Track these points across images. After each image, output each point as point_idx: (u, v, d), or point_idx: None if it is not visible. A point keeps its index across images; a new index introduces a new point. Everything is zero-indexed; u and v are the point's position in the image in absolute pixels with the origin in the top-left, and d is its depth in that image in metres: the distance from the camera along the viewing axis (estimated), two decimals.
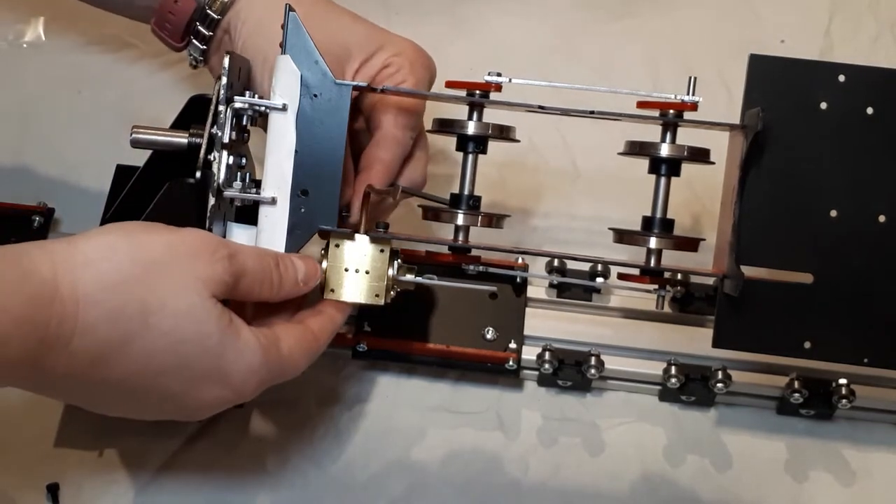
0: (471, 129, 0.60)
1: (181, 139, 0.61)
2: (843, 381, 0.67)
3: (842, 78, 0.58)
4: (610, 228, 0.60)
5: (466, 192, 0.61)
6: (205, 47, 0.66)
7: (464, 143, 0.61)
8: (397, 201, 0.64)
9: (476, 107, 0.60)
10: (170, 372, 0.52)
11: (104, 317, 0.50)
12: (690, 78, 0.58)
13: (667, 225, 0.59)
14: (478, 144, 0.61)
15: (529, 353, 0.70)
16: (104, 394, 0.54)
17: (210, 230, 0.57)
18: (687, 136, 0.59)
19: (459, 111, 0.61)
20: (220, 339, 0.53)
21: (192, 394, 0.54)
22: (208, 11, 0.64)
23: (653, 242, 0.59)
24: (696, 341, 0.70)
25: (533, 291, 0.72)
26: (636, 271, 0.60)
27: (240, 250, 0.55)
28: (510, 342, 0.70)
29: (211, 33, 0.65)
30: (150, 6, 0.66)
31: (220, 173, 0.57)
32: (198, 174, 0.58)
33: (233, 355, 0.53)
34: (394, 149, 0.62)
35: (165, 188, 0.59)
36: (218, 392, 0.54)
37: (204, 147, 0.58)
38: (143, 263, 0.51)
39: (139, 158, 0.66)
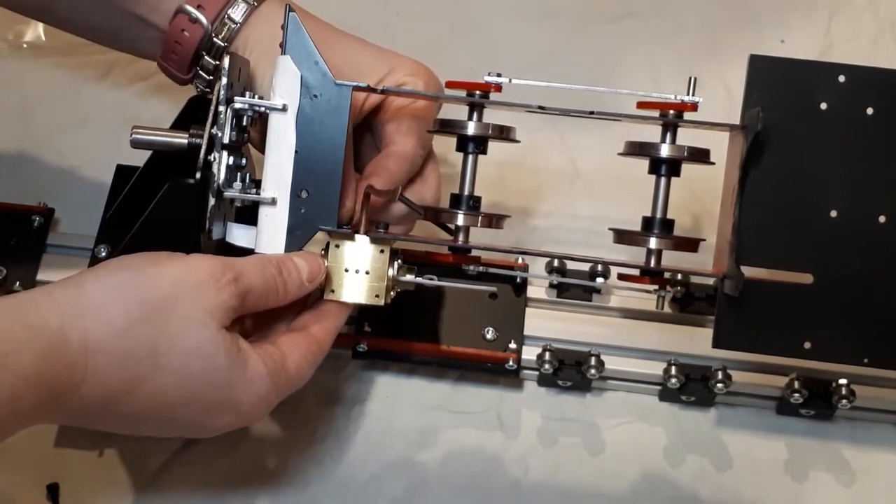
0: (471, 129, 0.60)
1: (181, 139, 0.61)
2: (843, 381, 0.67)
3: (842, 78, 0.58)
4: (610, 229, 0.60)
5: (466, 192, 0.61)
6: (211, 78, 0.65)
7: (464, 143, 0.61)
8: (411, 217, 0.64)
9: (476, 107, 0.60)
10: (180, 406, 0.53)
11: (114, 362, 0.50)
12: (690, 78, 0.58)
13: (667, 225, 0.59)
14: (478, 145, 0.61)
15: (529, 353, 0.70)
16: (118, 425, 0.55)
17: (210, 231, 0.57)
18: (687, 137, 0.59)
19: (459, 111, 0.61)
20: (229, 373, 0.53)
21: (203, 422, 0.55)
22: (215, 39, 0.64)
23: (653, 243, 0.59)
24: (696, 341, 0.70)
25: (533, 291, 0.72)
26: (636, 271, 0.60)
27: (243, 270, 0.55)
28: (510, 342, 0.70)
29: (217, 62, 0.64)
30: (156, 39, 0.66)
31: (220, 174, 0.57)
32: (198, 174, 0.58)
33: (242, 386, 0.54)
34: (402, 162, 0.62)
35: (165, 188, 0.59)
36: (229, 419, 0.56)
37: (204, 147, 0.58)
38: (151, 303, 0.51)
39: (139, 158, 0.66)
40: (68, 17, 0.68)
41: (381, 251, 0.59)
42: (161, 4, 0.64)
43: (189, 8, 0.63)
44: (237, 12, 0.63)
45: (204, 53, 0.64)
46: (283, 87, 0.58)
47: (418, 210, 0.62)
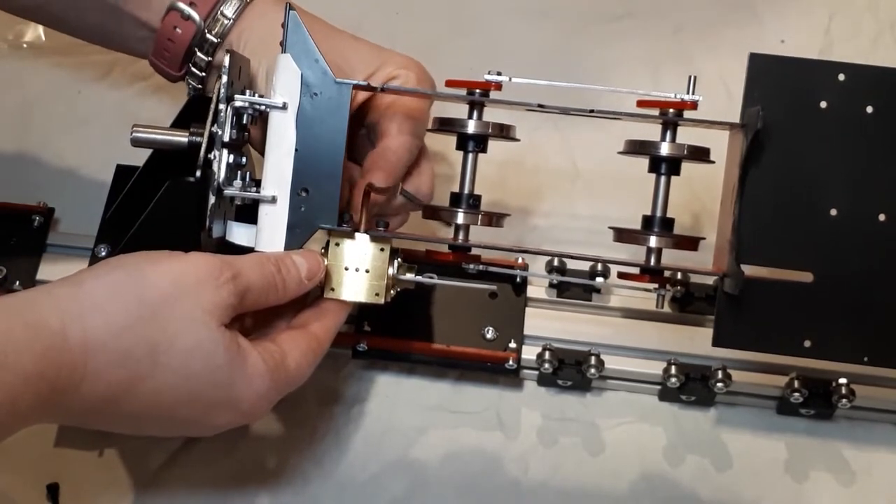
0: (471, 127, 0.60)
1: (181, 138, 0.61)
2: (843, 380, 0.67)
3: (842, 77, 0.58)
4: (610, 227, 0.60)
5: (466, 191, 0.61)
6: (203, 74, 0.65)
7: (464, 141, 0.61)
8: (409, 209, 0.64)
9: (476, 106, 0.60)
10: (181, 405, 0.53)
11: (113, 361, 0.50)
12: (690, 77, 0.58)
13: (667, 224, 0.59)
14: (478, 143, 0.61)
15: (529, 353, 0.70)
16: (119, 424, 0.55)
17: (210, 229, 0.57)
18: (687, 135, 0.59)
19: (459, 110, 0.61)
20: (229, 371, 0.53)
21: (204, 421, 0.55)
22: (208, 36, 0.64)
23: (653, 241, 0.59)
24: (696, 341, 0.70)
25: (533, 291, 0.72)
26: (636, 270, 0.60)
27: (242, 268, 0.55)
28: (510, 342, 0.70)
29: (210, 59, 0.64)
30: (148, 37, 0.66)
31: (221, 172, 0.57)
32: (198, 173, 0.58)
33: (242, 384, 0.54)
34: (399, 154, 0.62)
35: (165, 187, 0.59)
36: (230, 417, 0.56)
37: (204, 146, 0.58)
38: (150, 303, 0.51)
39: (139, 158, 0.66)
40: (62, 17, 0.68)
41: (381, 249, 0.59)
42: (153, 2, 0.64)
43: (181, 5, 0.64)
44: (229, 8, 0.64)
45: (196, 50, 0.64)
46: (284, 86, 0.58)
47: (420, 203, 0.62)
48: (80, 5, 0.66)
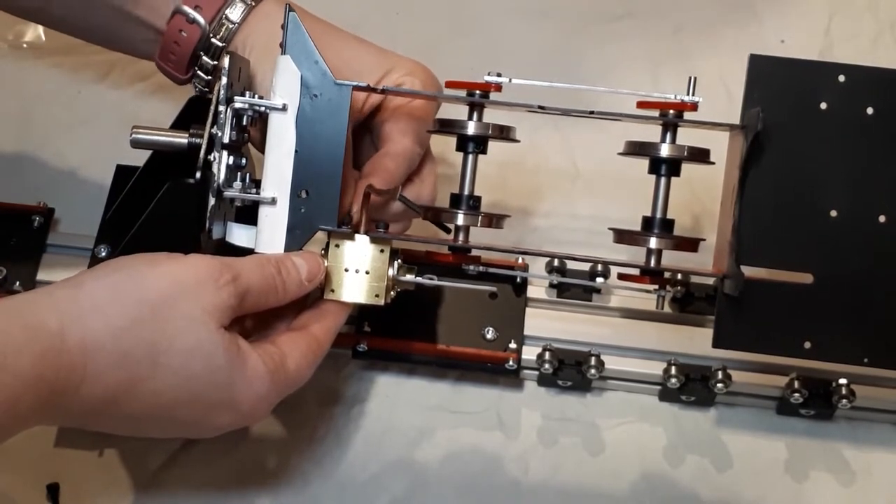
0: (471, 129, 0.60)
1: (181, 139, 0.61)
2: (843, 381, 0.67)
3: (842, 78, 0.58)
4: (610, 228, 0.60)
5: (466, 192, 0.61)
6: (210, 77, 0.65)
7: (464, 143, 0.61)
8: (413, 215, 0.64)
9: (476, 107, 0.60)
10: (181, 406, 0.53)
11: (112, 363, 0.50)
12: (690, 78, 0.58)
13: (667, 225, 0.59)
14: (478, 144, 0.61)
15: (529, 353, 0.70)
16: (119, 425, 0.55)
17: (210, 230, 0.57)
18: (687, 137, 0.59)
19: (460, 111, 0.61)
20: (228, 372, 0.53)
21: (204, 422, 0.55)
22: (213, 40, 0.64)
23: (653, 242, 0.59)
24: (696, 341, 0.70)
25: (533, 291, 0.72)
26: (636, 271, 0.60)
27: (242, 270, 0.54)
28: (510, 342, 0.70)
29: (215, 62, 0.64)
30: (153, 39, 0.66)
31: (220, 173, 0.57)
32: (198, 174, 0.58)
33: (242, 385, 0.54)
34: (399, 160, 0.62)
35: (165, 188, 0.59)
36: (230, 418, 0.55)
37: (204, 147, 0.58)
38: (149, 304, 0.51)
39: (139, 158, 0.66)
40: (64, 19, 0.68)
41: (381, 251, 0.59)
42: (159, 5, 0.64)
43: (186, 9, 0.63)
44: (235, 12, 0.64)
45: (202, 54, 0.64)
46: (283, 87, 0.58)
47: (418, 210, 0.62)
48: (83, 7, 0.66)
